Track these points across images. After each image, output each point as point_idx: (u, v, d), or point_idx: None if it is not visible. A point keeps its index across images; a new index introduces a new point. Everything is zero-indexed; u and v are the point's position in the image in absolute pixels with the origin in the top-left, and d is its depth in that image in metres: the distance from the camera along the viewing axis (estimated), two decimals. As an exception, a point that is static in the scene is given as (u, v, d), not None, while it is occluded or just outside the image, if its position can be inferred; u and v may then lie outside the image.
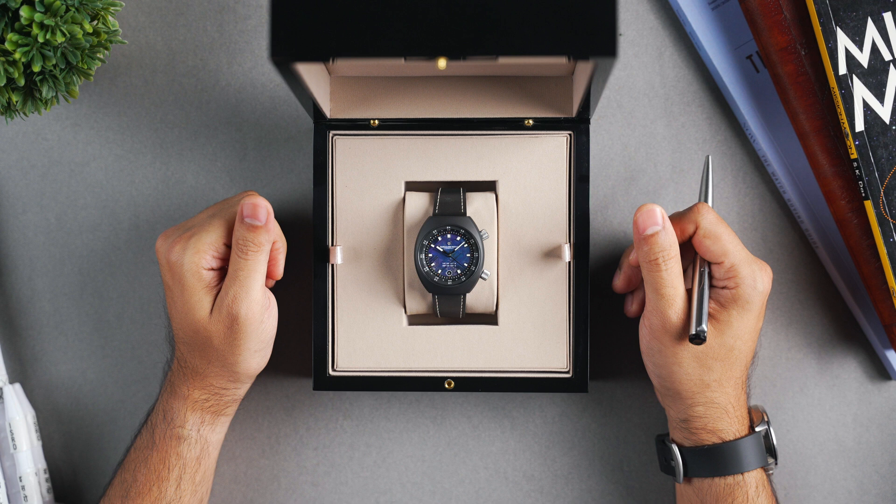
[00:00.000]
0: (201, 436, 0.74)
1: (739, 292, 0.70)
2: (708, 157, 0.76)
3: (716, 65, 0.80)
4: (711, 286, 0.72)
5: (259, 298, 0.71)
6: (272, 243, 0.73)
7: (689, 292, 0.71)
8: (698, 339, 0.69)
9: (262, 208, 0.70)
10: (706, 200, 0.75)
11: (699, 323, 0.69)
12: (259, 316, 0.71)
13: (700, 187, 0.76)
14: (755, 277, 0.70)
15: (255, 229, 0.70)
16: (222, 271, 0.73)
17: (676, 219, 0.72)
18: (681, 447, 0.74)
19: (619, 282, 0.77)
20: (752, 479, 0.72)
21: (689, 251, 0.74)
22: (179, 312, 0.72)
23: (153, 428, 0.75)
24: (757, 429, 0.73)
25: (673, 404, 0.73)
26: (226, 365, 0.72)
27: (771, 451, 0.74)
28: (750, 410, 0.74)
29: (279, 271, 0.76)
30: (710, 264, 0.72)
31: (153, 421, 0.75)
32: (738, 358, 0.72)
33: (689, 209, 0.72)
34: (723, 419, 0.72)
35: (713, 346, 0.70)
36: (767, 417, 0.75)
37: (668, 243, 0.69)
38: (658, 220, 0.69)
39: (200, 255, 0.71)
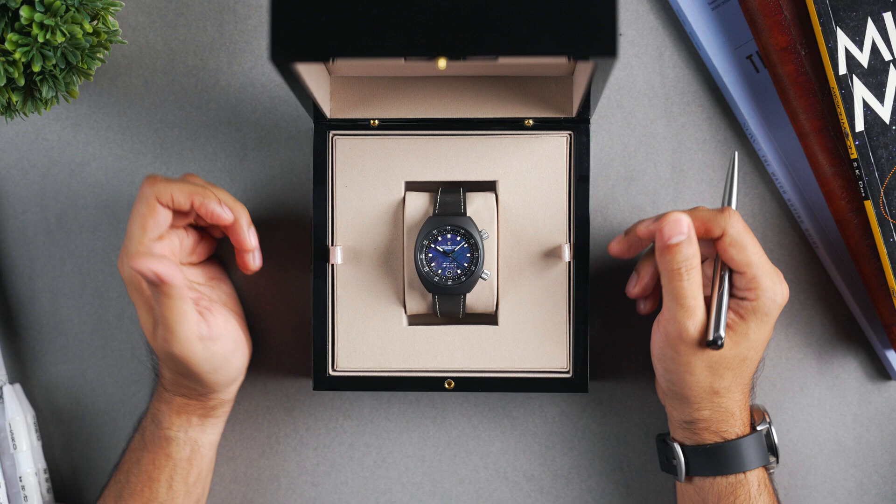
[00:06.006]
0: (190, 437, 0.74)
1: (759, 304, 0.70)
2: (735, 153, 0.75)
3: (716, 65, 0.79)
4: (732, 295, 0.71)
5: (189, 334, 0.68)
6: (235, 221, 0.73)
7: (707, 298, 0.71)
8: (715, 344, 0.69)
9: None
10: (731, 201, 0.73)
11: (717, 328, 0.69)
12: (196, 347, 0.69)
13: (724, 186, 0.75)
14: (775, 290, 0.70)
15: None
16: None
17: (704, 217, 0.71)
18: (683, 446, 0.74)
19: (635, 289, 0.76)
20: (754, 478, 0.72)
21: (711, 249, 0.73)
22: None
23: (144, 430, 0.75)
24: (758, 428, 0.73)
25: (679, 406, 0.73)
26: (192, 379, 0.72)
27: (772, 449, 0.74)
28: (751, 410, 0.74)
29: (248, 243, 0.74)
30: (731, 270, 0.71)
31: (144, 423, 0.75)
32: (748, 367, 0.72)
33: (719, 211, 0.70)
34: (728, 421, 0.72)
35: (727, 357, 0.70)
36: (769, 417, 0.75)
37: (692, 253, 0.68)
38: (684, 230, 0.68)
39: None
